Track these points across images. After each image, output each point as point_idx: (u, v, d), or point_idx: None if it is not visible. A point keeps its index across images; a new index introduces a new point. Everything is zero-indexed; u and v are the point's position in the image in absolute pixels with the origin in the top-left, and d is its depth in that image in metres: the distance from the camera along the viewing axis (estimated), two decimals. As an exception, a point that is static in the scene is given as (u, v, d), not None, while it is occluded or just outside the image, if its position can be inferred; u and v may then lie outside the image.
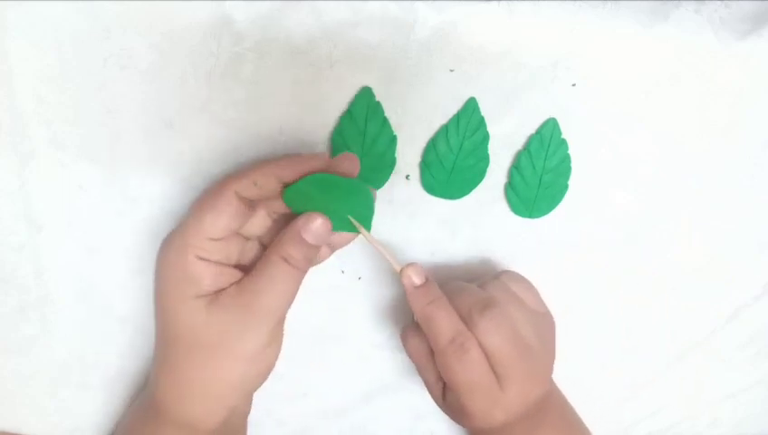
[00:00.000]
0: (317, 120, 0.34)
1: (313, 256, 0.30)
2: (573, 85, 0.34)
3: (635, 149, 0.37)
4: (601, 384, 0.47)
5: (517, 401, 0.33)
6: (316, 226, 0.29)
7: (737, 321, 0.46)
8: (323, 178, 0.29)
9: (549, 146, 0.36)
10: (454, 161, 0.36)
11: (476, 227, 0.39)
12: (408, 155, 0.36)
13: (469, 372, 0.32)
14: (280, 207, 0.31)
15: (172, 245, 0.30)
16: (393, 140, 0.35)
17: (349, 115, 0.33)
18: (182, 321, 0.30)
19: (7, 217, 0.34)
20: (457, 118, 0.34)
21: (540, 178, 0.37)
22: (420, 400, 0.45)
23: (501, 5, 0.31)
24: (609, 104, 0.35)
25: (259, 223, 0.32)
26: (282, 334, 0.32)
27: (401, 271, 0.33)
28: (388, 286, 0.40)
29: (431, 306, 0.32)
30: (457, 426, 0.46)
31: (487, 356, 0.32)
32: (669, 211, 0.40)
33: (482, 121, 0.35)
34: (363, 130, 0.34)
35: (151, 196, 0.34)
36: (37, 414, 0.41)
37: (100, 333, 0.38)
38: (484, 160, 0.36)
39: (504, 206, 0.38)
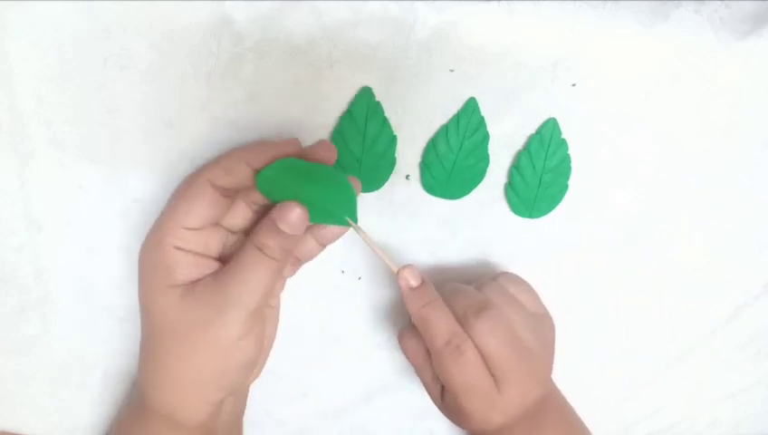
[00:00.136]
0: (317, 120, 0.34)
1: (290, 246, 0.29)
2: (573, 85, 0.34)
3: (635, 149, 0.37)
4: (601, 384, 0.47)
5: (515, 403, 0.33)
6: (291, 215, 0.28)
7: (737, 321, 0.46)
8: (295, 163, 0.29)
9: (549, 146, 0.36)
10: (454, 161, 0.35)
11: (476, 227, 0.39)
12: (408, 155, 0.36)
13: (465, 373, 0.32)
14: (258, 197, 0.31)
15: (151, 235, 0.30)
16: (393, 140, 0.35)
17: (349, 115, 0.33)
18: (157, 311, 0.30)
19: (7, 217, 0.34)
20: (457, 118, 0.34)
21: (540, 178, 0.37)
22: (420, 400, 0.44)
23: (501, 5, 0.31)
24: (609, 104, 0.35)
25: (241, 215, 0.32)
26: (261, 328, 0.31)
27: (397, 272, 0.33)
28: (389, 287, 0.40)
29: (427, 308, 0.32)
30: (457, 427, 0.46)
31: (484, 358, 0.32)
32: (669, 211, 0.40)
33: (482, 121, 0.35)
34: (363, 130, 0.34)
35: (151, 196, 0.34)
36: (37, 414, 0.41)
37: (100, 333, 0.38)
38: (484, 160, 0.36)
39: (503, 206, 0.38)
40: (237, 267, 0.29)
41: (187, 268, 0.29)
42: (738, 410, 0.52)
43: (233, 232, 0.32)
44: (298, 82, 0.32)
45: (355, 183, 0.31)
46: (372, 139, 0.34)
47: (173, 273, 0.29)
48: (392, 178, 0.36)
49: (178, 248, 0.29)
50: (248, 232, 0.32)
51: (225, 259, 0.31)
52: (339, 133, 0.34)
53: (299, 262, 0.33)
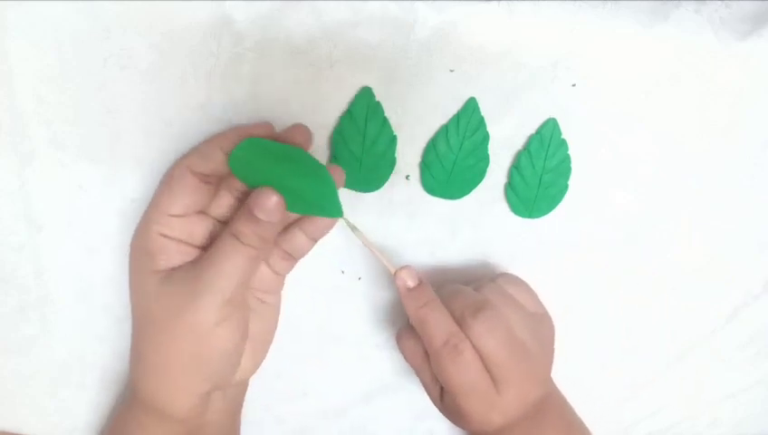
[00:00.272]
0: (317, 120, 0.34)
1: (267, 233, 0.29)
2: (573, 85, 0.34)
3: (635, 149, 0.37)
4: (601, 384, 0.47)
5: (515, 404, 0.33)
6: (267, 202, 0.28)
7: (737, 321, 0.46)
8: (268, 145, 0.28)
9: (549, 146, 0.36)
10: (454, 161, 0.35)
11: (476, 227, 0.39)
12: (408, 155, 0.36)
13: (464, 374, 0.32)
14: (239, 184, 0.31)
15: (139, 224, 0.31)
16: (393, 140, 0.35)
17: (349, 115, 0.33)
18: (138, 296, 0.31)
19: (7, 217, 0.34)
20: (457, 118, 0.34)
21: (540, 178, 0.37)
22: (420, 400, 0.44)
23: (501, 5, 0.31)
24: (609, 104, 0.35)
25: (225, 204, 0.32)
26: (241, 317, 0.31)
27: (395, 273, 0.33)
28: (388, 287, 0.40)
29: (425, 308, 0.32)
30: (457, 427, 0.46)
31: (482, 359, 0.32)
32: (669, 211, 0.40)
33: (482, 121, 0.35)
34: (363, 130, 0.34)
35: (151, 196, 0.34)
36: (37, 414, 0.41)
37: (100, 332, 0.38)
38: (484, 160, 0.36)
39: (503, 206, 0.38)
40: (213, 254, 0.29)
41: (169, 255, 0.30)
42: (738, 410, 0.52)
43: (220, 221, 0.32)
44: (298, 82, 0.32)
45: (337, 173, 0.31)
46: (372, 139, 0.34)
47: (155, 259, 0.30)
48: (392, 178, 0.36)
49: (163, 235, 0.30)
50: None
51: (208, 247, 0.31)
52: (339, 133, 0.34)
53: (291, 257, 0.33)
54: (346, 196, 0.36)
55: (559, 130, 0.36)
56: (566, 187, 0.37)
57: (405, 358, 0.36)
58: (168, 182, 0.30)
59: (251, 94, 0.32)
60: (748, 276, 0.44)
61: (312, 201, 0.30)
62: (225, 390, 0.34)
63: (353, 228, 0.32)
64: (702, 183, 0.39)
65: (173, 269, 0.30)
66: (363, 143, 0.34)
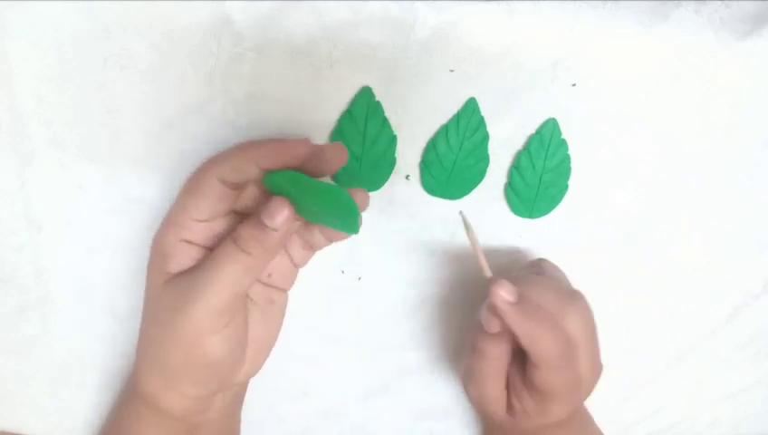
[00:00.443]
0: (317, 120, 0.34)
1: (269, 242, 0.28)
2: (573, 85, 0.34)
3: (635, 149, 0.37)
4: (601, 384, 0.47)
5: (589, 390, 0.34)
6: (278, 210, 0.28)
7: (737, 321, 0.46)
8: (302, 178, 0.28)
9: (549, 146, 0.36)
10: (454, 161, 0.35)
11: (476, 227, 0.38)
12: (408, 155, 0.36)
13: (575, 376, 0.32)
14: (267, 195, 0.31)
15: (159, 230, 0.30)
16: (393, 140, 0.35)
17: (349, 115, 0.33)
18: (147, 295, 0.31)
19: (7, 217, 0.34)
20: (457, 118, 0.34)
21: (540, 178, 0.37)
22: (420, 400, 0.44)
23: (501, 5, 0.31)
24: (609, 104, 0.35)
25: (253, 198, 0.31)
26: (237, 328, 0.30)
27: (492, 290, 0.31)
28: (389, 286, 0.40)
29: (534, 324, 0.31)
30: (457, 427, 0.46)
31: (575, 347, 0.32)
32: (669, 211, 0.40)
33: (482, 121, 0.35)
34: (363, 130, 0.34)
35: (151, 196, 0.34)
36: (37, 414, 0.41)
37: (100, 333, 0.38)
38: (484, 160, 0.36)
39: (503, 206, 0.38)
40: (210, 260, 0.28)
41: (182, 258, 0.29)
42: (738, 410, 0.52)
43: (244, 213, 0.31)
44: (298, 82, 0.32)
45: (361, 197, 0.30)
46: (372, 139, 0.34)
47: (167, 261, 0.29)
48: (392, 178, 0.36)
49: (184, 240, 0.29)
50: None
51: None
52: (339, 133, 0.34)
53: (310, 248, 0.33)
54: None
55: (559, 130, 0.36)
56: (566, 187, 0.37)
57: (477, 368, 0.34)
58: (194, 189, 0.29)
59: (251, 94, 0.32)
60: (748, 276, 0.44)
61: (334, 225, 0.30)
62: (225, 390, 0.34)
63: (467, 226, 0.32)
64: (702, 183, 0.39)
65: (180, 272, 0.30)
66: (363, 143, 0.34)
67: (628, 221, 0.40)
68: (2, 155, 0.32)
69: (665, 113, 0.36)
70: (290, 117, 0.33)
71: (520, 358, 0.33)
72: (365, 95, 0.33)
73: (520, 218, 0.38)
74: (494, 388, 0.34)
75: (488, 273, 0.32)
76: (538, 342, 0.31)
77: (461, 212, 0.31)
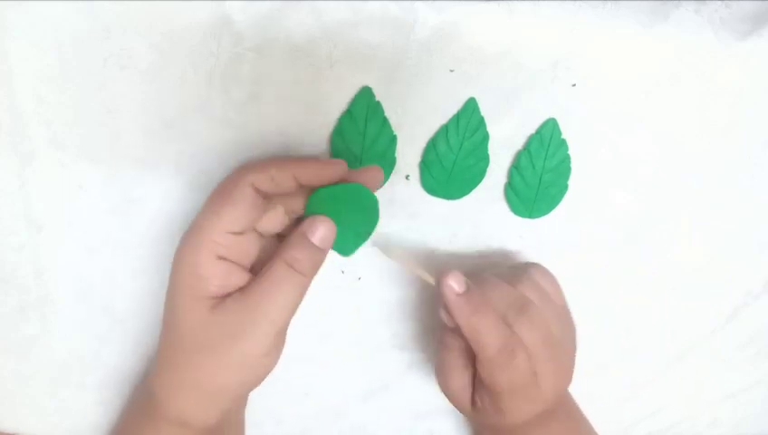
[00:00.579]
0: (317, 120, 0.34)
1: (320, 261, 0.30)
2: (573, 85, 0.34)
3: (635, 149, 0.37)
4: (601, 384, 0.47)
5: (551, 396, 0.34)
6: (322, 228, 0.29)
7: (737, 321, 0.46)
8: (335, 190, 0.30)
9: (549, 146, 0.36)
10: (454, 161, 0.35)
11: (476, 227, 0.39)
12: (408, 155, 0.36)
13: (516, 375, 0.32)
14: (298, 207, 0.31)
15: (188, 241, 0.29)
16: (393, 140, 0.35)
17: (349, 115, 0.33)
18: (186, 321, 0.29)
19: (7, 217, 0.34)
20: (457, 118, 0.34)
21: (540, 178, 0.37)
22: (420, 400, 0.45)
23: (501, 5, 0.31)
24: (609, 104, 0.35)
25: (279, 221, 0.31)
26: (283, 342, 0.31)
27: (441, 281, 0.32)
28: (388, 286, 0.40)
29: (477, 316, 0.31)
30: (456, 427, 0.46)
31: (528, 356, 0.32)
32: (669, 211, 0.40)
33: (482, 121, 0.35)
34: (363, 131, 0.34)
35: (151, 196, 0.34)
36: (37, 414, 0.41)
37: (100, 333, 0.38)
38: (484, 160, 0.36)
39: (503, 206, 0.38)
40: (267, 284, 0.29)
41: (221, 280, 0.29)
42: (738, 410, 0.52)
43: (264, 236, 0.32)
44: (298, 82, 0.32)
45: (376, 175, 0.32)
46: (372, 139, 0.34)
47: (208, 284, 0.29)
48: (392, 178, 0.36)
49: (219, 257, 0.29)
50: (279, 238, 0.32)
51: (256, 268, 0.31)
52: (339, 133, 0.34)
53: None
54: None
55: (559, 130, 0.36)
56: (566, 187, 0.37)
57: (440, 359, 0.35)
58: (228, 197, 0.29)
59: (251, 94, 0.32)
60: (748, 276, 0.44)
61: (359, 231, 0.32)
62: None
63: (387, 251, 0.32)
64: (702, 183, 0.39)
65: (225, 296, 0.29)
66: (363, 143, 0.34)
67: (628, 221, 0.40)
68: (2, 155, 0.32)
69: (665, 113, 0.36)
70: (290, 117, 0.33)
71: None
72: (365, 95, 0.33)
73: (520, 218, 0.38)
74: (457, 381, 0.35)
75: (431, 280, 0.33)
76: (477, 334, 0.31)
77: (374, 245, 0.31)
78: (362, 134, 0.34)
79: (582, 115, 0.36)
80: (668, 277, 0.43)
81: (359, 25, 0.31)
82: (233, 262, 0.29)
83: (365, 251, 0.38)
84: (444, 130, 0.35)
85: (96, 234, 0.35)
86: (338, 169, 0.30)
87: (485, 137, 0.35)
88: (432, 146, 0.35)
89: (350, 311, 0.40)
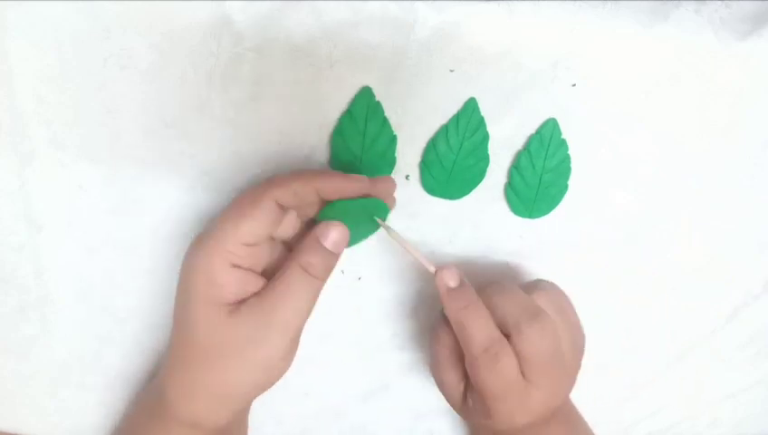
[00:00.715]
0: (317, 120, 0.34)
1: (333, 265, 0.30)
2: (573, 85, 0.34)
3: (635, 149, 0.37)
4: (601, 384, 0.47)
5: (540, 409, 0.33)
6: (335, 232, 0.30)
7: (737, 321, 0.46)
8: (363, 202, 0.31)
9: (549, 146, 0.36)
10: (454, 161, 0.35)
11: (476, 227, 0.39)
12: (408, 155, 0.36)
13: (501, 379, 0.32)
14: (312, 211, 0.32)
15: (202, 247, 0.29)
16: (393, 139, 0.35)
17: (349, 115, 0.33)
18: (201, 326, 0.30)
19: (7, 217, 0.34)
20: (457, 118, 0.34)
21: (540, 178, 0.37)
22: (420, 400, 0.45)
23: (501, 5, 0.31)
24: (609, 104, 0.35)
25: (291, 226, 0.32)
26: (297, 346, 0.32)
27: (435, 272, 0.32)
28: (388, 286, 0.40)
29: (465, 311, 0.32)
30: (457, 427, 0.46)
31: (524, 362, 0.32)
32: (669, 211, 0.40)
33: (482, 121, 0.35)
34: (363, 130, 0.34)
35: (151, 196, 0.34)
36: (37, 414, 0.41)
37: (100, 333, 0.38)
38: (483, 160, 0.36)
39: (503, 206, 0.38)
40: (282, 288, 0.29)
41: (236, 286, 0.29)
42: (738, 410, 0.52)
43: (275, 241, 0.32)
44: (298, 82, 0.32)
45: (388, 185, 0.33)
46: (372, 138, 0.34)
47: (224, 291, 0.29)
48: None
49: (233, 265, 0.29)
50: (291, 242, 0.33)
51: (268, 271, 0.31)
52: (339, 133, 0.34)
53: None
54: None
55: (559, 130, 0.36)
56: (566, 187, 0.37)
57: (434, 352, 0.36)
58: (251, 212, 0.29)
59: (251, 94, 0.32)
60: (748, 276, 0.44)
61: (369, 227, 0.33)
62: None
63: (388, 229, 0.32)
64: (702, 183, 0.39)
65: (239, 302, 0.30)
66: (363, 143, 0.34)
67: (628, 221, 0.40)
68: (2, 155, 0.32)
69: (665, 113, 0.36)
70: (290, 117, 0.33)
71: None
72: (365, 95, 0.33)
73: (520, 218, 0.38)
74: (448, 375, 0.35)
75: (431, 268, 0.33)
76: (463, 330, 0.32)
77: (377, 219, 0.31)
78: (362, 134, 0.34)
79: (582, 115, 0.36)
80: (668, 277, 0.43)
81: (359, 25, 0.31)
82: (246, 269, 0.30)
83: (365, 251, 0.38)
84: (444, 130, 0.35)
85: (96, 234, 0.35)
86: (360, 185, 0.30)
87: (485, 137, 0.35)
88: (432, 146, 0.35)
89: (350, 311, 0.40)
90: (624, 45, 0.34)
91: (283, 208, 0.30)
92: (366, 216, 0.32)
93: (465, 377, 0.34)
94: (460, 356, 0.34)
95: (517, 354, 0.32)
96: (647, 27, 0.33)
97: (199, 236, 0.30)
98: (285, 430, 0.44)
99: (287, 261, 0.30)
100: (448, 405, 0.37)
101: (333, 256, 0.30)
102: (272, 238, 0.32)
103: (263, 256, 0.31)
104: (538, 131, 0.36)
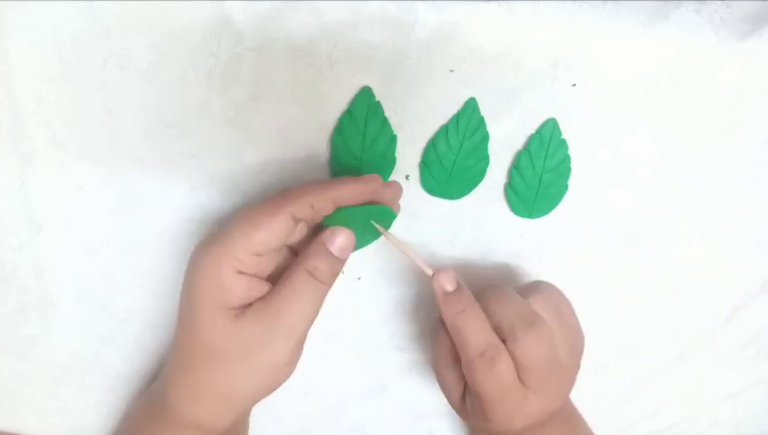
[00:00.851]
0: (317, 120, 0.34)
1: (339, 270, 0.30)
2: (573, 85, 0.34)
3: (635, 149, 0.37)
4: (601, 384, 0.47)
5: (538, 413, 0.33)
6: (341, 238, 0.30)
7: (737, 321, 0.46)
8: (370, 209, 0.31)
9: (549, 146, 0.36)
10: (454, 161, 0.35)
11: (476, 227, 0.39)
12: (408, 155, 0.36)
13: (498, 383, 0.32)
14: (318, 217, 0.31)
15: (210, 252, 0.29)
16: (393, 139, 0.35)
17: (349, 115, 0.33)
18: (206, 329, 0.30)
19: (7, 217, 0.34)
20: (457, 118, 0.34)
21: (540, 178, 0.37)
22: (420, 400, 0.45)
23: (501, 5, 0.31)
24: (609, 104, 0.35)
25: (299, 233, 0.32)
26: (302, 349, 0.32)
27: (433, 275, 0.32)
28: (388, 287, 0.40)
29: (462, 315, 0.32)
30: (456, 427, 0.46)
31: (521, 368, 0.32)
32: (669, 211, 0.40)
33: (482, 121, 0.35)
34: (363, 130, 0.34)
35: (151, 195, 0.34)
36: (37, 414, 0.41)
37: (100, 333, 0.38)
38: (483, 160, 0.36)
39: (503, 206, 0.38)
40: (288, 292, 0.29)
41: (242, 291, 0.29)
42: (738, 410, 0.52)
43: (290, 249, 0.33)
44: (298, 82, 0.32)
45: (396, 189, 0.33)
46: (372, 138, 0.34)
47: (230, 295, 0.29)
48: (392, 178, 0.36)
49: (240, 272, 0.29)
50: (297, 246, 0.33)
51: (273, 275, 0.31)
52: (339, 133, 0.34)
53: None
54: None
55: (559, 130, 0.36)
56: (566, 187, 0.37)
57: (433, 353, 0.36)
58: (265, 225, 0.29)
59: (251, 94, 0.32)
60: (748, 276, 0.44)
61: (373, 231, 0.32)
62: None
63: (385, 232, 0.32)
64: (702, 183, 0.39)
65: (244, 307, 0.30)
66: (363, 143, 0.34)
67: (628, 221, 0.40)
68: (2, 155, 0.32)
69: (665, 113, 0.36)
70: (290, 117, 0.33)
71: None
72: (365, 95, 0.33)
73: (520, 218, 0.38)
74: (447, 375, 0.35)
75: (428, 270, 0.33)
76: (459, 333, 0.32)
77: (373, 223, 0.31)
78: (362, 134, 0.34)
79: (582, 115, 0.36)
80: (668, 277, 0.43)
81: (359, 25, 0.31)
82: (252, 275, 0.30)
83: (365, 252, 0.38)
84: (444, 130, 0.35)
85: (96, 234, 0.35)
86: (374, 185, 0.30)
87: (485, 137, 0.35)
88: (432, 146, 0.35)
89: (349, 311, 0.40)
90: (624, 45, 0.34)
91: (297, 221, 0.30)
92: (370, 222, 0.32)
93: (464, 379, 0.34)
94: (459, 358, 0.34)
95: (514, 360, 0.32)
96: (647, 27, 0.33)
97: (206, 240, 0.30)
98: (285, 430, 0.44)
99: (293, 265, 0.30)
100: (448, 405, 0.37)
101: (339, 262, 0.31)
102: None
103: (270, 264, 0.31)
104: (538, 131, 0.36)
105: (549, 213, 0.38)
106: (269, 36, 0.31)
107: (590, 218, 0.39)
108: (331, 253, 0.30)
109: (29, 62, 0.30)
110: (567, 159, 0.37)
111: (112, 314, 0.38)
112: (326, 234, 0.31)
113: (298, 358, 0.32)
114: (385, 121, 0.34)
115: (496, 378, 0.31)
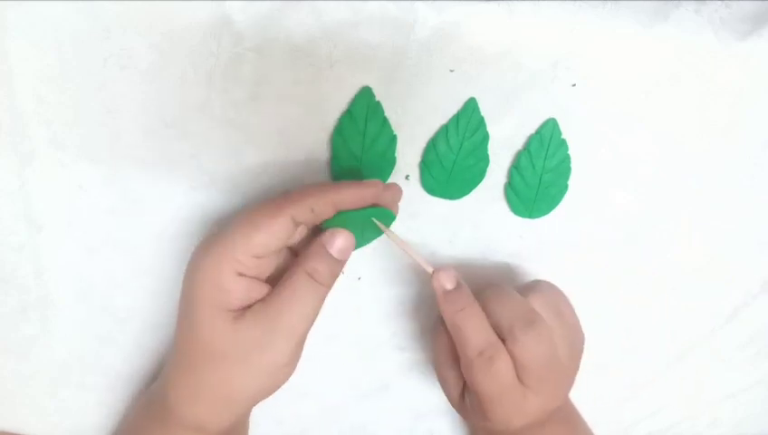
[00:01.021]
0: (317, 120, 0.34)
1: (338, 271, 0.31)
2: (573, 85, 0.34)
3: (635, 149, 0.37)
4: (601, 384, 0.47)
5: (537, 412, 0.33)
6: (341, 240, 0.30)
7: (737, 321, 0.46)
8: (370, 211, 0.31)
9: (549, 146, 0.36)
10: (454, 161, 0.35)
11: (476, 227, 0.39)
12: (408, 155, 0.36)
13: (496, 382, 0.32)
14: (319, 219, 0.31)
15: (209, 254, 0.29)
16: (393, 139, 0.35)
17: (349, 115, 0.33)
18: (206, 330, 0.30)
19: (7, 217, 0.34)
20: (457, 118, 0.34)
21: (540, 178, 0.37)
22: (420, 400, 0.45)
23: (501, 5, 0.31)
24: (609, 104, 0.35)
25: (298, 234, 0.32)
26: (302, 351, 0.32)
27: (432, 274, 0.32)
28: (389, 286, 0.40)
29: (461, 314, 0.32)
30: (457, 427, 0.46)
31: (520, 368, 0.32)
32: (669, 211, 0.40)
33: (482, 122, 0.35)
34: (363, 130, 0.34)
35: (151, 195, 0.34)
36: (37, 414, 0.41)
37: (100, 333, 0.38)
38: (483, 160, 0.36)
39: (503, 206, 0.38)
40: (288, 294, 0.29)
41: (242, 293, 0.29)
42: (738, 410, 0.52)
43: (290, 250, 0.33)
44: (298, 82, 0.32)
45: (396, 191, 0.33)
46: (372, 138, 0.34)
47: (229, 297, 0.29)
48: (392, 178, 0.36)
49: (239, 274, 0.29)
50: (296, 247, 0.33)
51: (272, 277, 0.31)
52: (339, 133, 0.34)
53: None
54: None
55: (559, 130, 0.36)
56: (566, 187, 0.37)
57: (434, 351, 0.36)
58: (267, 227, 0.29)
59: (251, 94, 0.32)
60: (748, 276, 0.44)
61: (373, 230, 0.33)
62: None
63: (387, 231, 0.32)
64: (702, 183, 0.39)
65: (244, 308, 0.30)
66: (363, 143, 0.34)
67: (628, 221, 0.40)
68: (2, 155, 0.32)
69: (665, 113, 0.36)
70: (290, 117, 0.33)
71: None
72: (365, 95, 0.33)
73: (520, 218, 0.38)
74: (447, 373, 0.35)
75: (429, 268, 0.33)
76: (458, 332, 0.32)
77: (374, 220, 0.31)
78: (362, 134, 0.34)
79: (582, 115, 0.36)
80: (668, 277, 0.43)
81: (359, 25, 0.31)
82: (252, 277, 0.30)
83: (365, 251, 0.38)
84: (444, 130, 0.35)
85: (96, 234, 0.35)
86: (375, 190, 0.30)
87: (485, 137, 0.35)
88: (432, 146, 0.35)
89: (349, 311, 0.40)
90: (624, 45, 0.34)
91: (297, 224, 0.30)
92: (370, 222, 0.32)
93: (463, 377, 0.34)
94: (458, 356, 0.34)
95: (513, 359, 0.32)
96: (647, 27, 0.33)
97: (206, 241, 0.30)
98: (285, 430, 0.44)
99: (293, 267, 0.30)
100: (449, 405, 0.37)
101: (339, 264, 0.31)
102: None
103: (269, 266, 0.31)
104: (538, 131, 0.36)
105: (549, 213, 0.38)
106: (269, 36, 0.31)
107: (590, 218, 0.39)
108: (330, 255, 0.30)
109: (29, 62, 0.30)
110: (567, 159, 0.37)
111: (112, 314, 0.38)
112: (326, 236, 0.31)
113: (298, 359, 0.32)
114: (385, 121, 0.34)
115: (495, 377, 0.31)
